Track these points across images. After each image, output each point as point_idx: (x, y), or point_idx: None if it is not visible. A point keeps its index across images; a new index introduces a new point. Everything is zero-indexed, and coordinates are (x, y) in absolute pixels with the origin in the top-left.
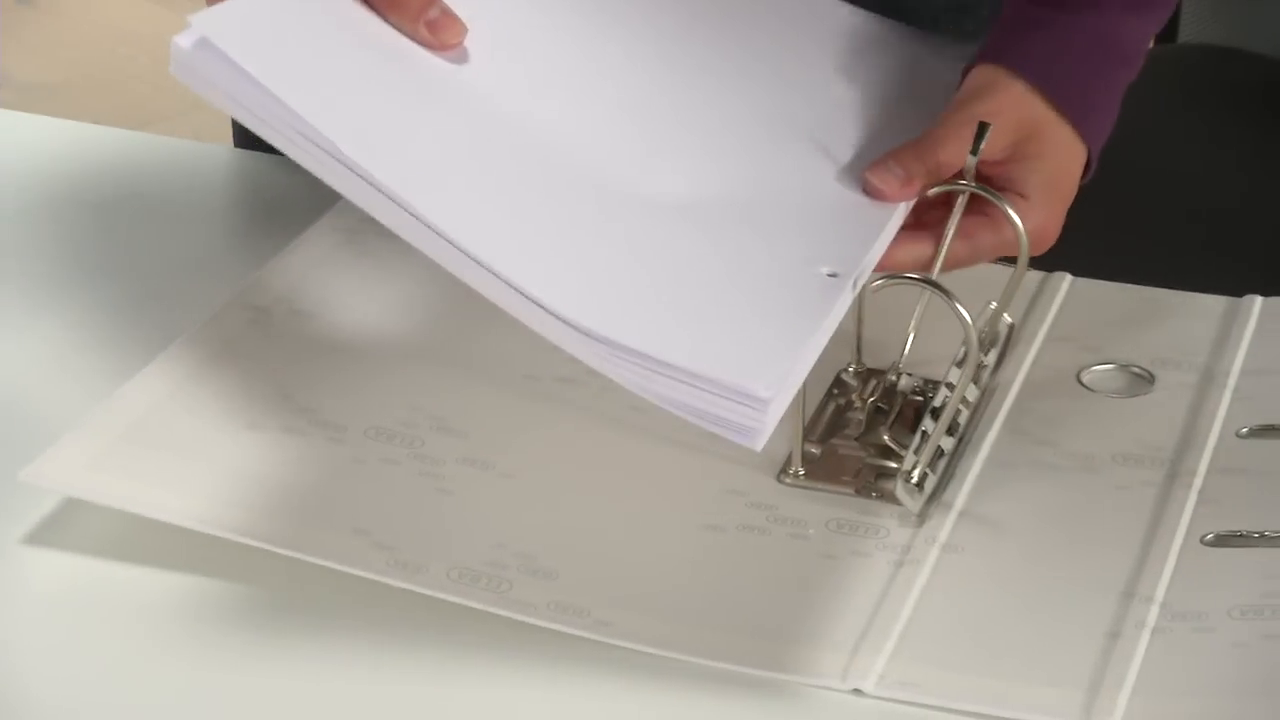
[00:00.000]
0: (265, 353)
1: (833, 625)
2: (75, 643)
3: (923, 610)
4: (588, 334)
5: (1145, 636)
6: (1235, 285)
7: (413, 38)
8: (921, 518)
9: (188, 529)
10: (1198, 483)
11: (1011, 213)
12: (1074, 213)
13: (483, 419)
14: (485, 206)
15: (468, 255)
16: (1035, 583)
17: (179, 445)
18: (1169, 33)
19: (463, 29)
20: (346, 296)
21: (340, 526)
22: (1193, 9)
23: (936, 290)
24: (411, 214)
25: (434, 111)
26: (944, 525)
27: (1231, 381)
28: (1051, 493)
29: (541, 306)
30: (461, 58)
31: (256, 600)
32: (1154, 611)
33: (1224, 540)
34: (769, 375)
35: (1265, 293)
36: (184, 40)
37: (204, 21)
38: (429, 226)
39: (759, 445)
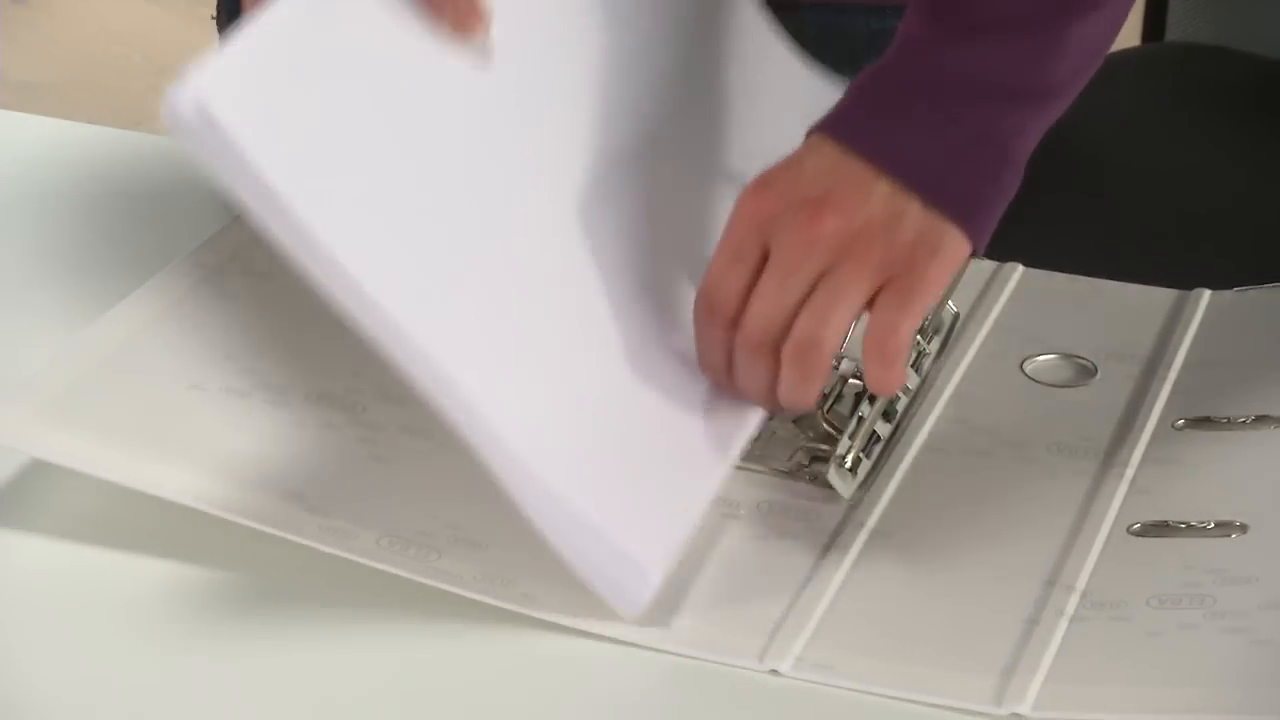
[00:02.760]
0: (213, 312)
1: (754, 606)
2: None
3: (846, 594)
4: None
5: (1063, 624)
6: (1222, 283)
7: (436, 27)
8: (853, 502)
9: (120, 485)
10: (1129, 473)
11: None
12: (1060, 210)
13: None
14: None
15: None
16: (959, 570)
17: (119, 403)
18: (1156, 31)
19: (488, 23)
20: None
21: (273, 489)
22: (1180, 7)
23: None
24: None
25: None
26: (874, 510)
27: (1172, 374)
28: (984, 481)
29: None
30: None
31: (186, 563)
32: (1073, 600)
33: (1150, 530)
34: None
35: None
36: (180, 103)
37: (203, 79)
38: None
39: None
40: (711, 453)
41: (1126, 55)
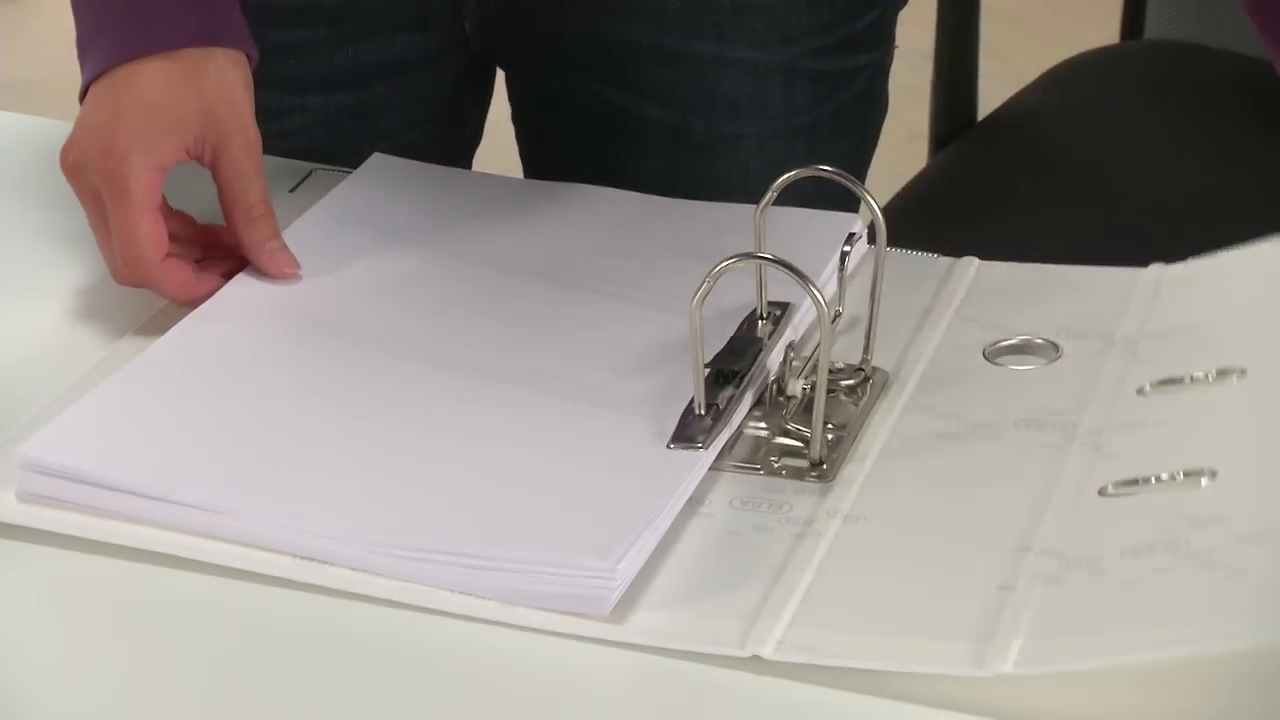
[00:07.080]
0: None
1: (733, 596)
2: None
3: (823, 578)
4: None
5: (1039, 586)
6: None
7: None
8: (824, 491)
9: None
10: (1097, 440)
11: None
12: (1037, 205)
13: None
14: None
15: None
16: (932, 546)
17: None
18: (1135, 29)
19: (297, 265)
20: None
21: None
22: (1158, 6)
23: (789, 271)
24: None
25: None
26: (847, 497)
27: (1134, 345)
28: (954, 462)
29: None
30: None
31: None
32: (1047, 562)
33: (1120, 489)
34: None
35: None
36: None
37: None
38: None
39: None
40: (666, 473)
41: (1105, 53)
